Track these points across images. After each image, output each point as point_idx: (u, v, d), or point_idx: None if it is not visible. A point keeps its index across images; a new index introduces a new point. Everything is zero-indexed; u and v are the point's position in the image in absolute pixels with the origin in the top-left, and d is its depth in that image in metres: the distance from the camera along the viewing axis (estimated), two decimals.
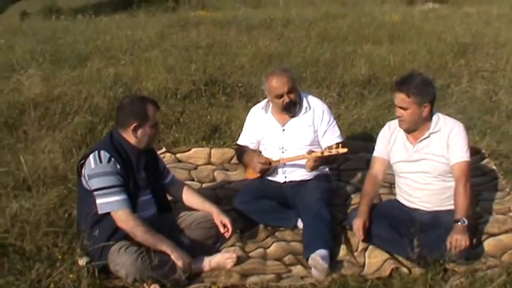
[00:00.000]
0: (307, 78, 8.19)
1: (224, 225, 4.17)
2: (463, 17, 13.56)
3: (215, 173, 5.45)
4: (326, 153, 4.41)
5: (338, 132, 4.80)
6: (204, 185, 5.28)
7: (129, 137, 3.94)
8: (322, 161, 4.53)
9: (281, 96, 4.55)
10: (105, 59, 9.24)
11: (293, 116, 4.69)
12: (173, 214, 4.28)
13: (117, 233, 3.84)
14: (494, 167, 5.39)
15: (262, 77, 4.80)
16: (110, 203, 3.80)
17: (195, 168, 5.57)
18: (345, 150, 4.38)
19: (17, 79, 7.78)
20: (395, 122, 4.36)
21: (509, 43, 10.23)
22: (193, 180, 5.35)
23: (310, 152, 4.47)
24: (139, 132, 3.94)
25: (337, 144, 4.43)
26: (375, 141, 5.89)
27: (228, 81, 8.03)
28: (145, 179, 4.06)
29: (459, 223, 3.93)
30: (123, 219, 3.82)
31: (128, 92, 7.32)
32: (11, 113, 6.67)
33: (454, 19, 13.14)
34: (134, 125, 3.90)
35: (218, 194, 5.08)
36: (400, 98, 4.10)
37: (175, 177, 4.49)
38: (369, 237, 4.21)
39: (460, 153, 4.12)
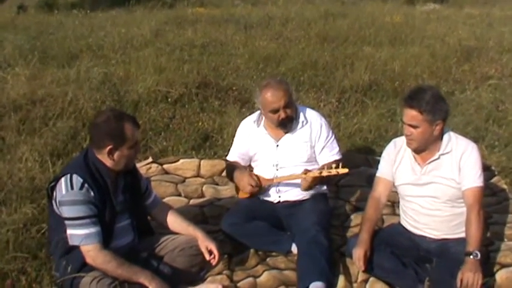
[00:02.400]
0: (305, 83, 7.77)
1: (210, 252, 3.70)
2: (465, 19, 13.16)
3: (204, 188, 4.99)
4: (324, 174, 3.94)
5: (337, 149, 4.34)
6: (191, 201, 4.83)
7: (105, 159, 3.46)
8: (319, 180, 4.06)
9: (276, 111, 4.08)
10: (96, 57, 8.79)
11: (288, 131, 4.23)
12: (154, 239, 3.82)
13: (88, 264, 3.38)
14: (505, 186, 4.93)
15: (256, 89, 4.31)
16: (79, 235, 3.34)
17: (183, 181, 5.11)
18: (346, 170, 3.92)
19: (2, 77, 7.33)
20: (402, 139, 3.89)
21: None
22: (180, 195, 4.89)
23: (306, 171, 4.00)
24: (115, 154, 3.45)
25: (337, 163, 3.95)
26: (377, 154, 5.55)
27: (222, 84, 7.58)
28: (123, 202, 3.59)
29: (471, 257, 3.47)
30: (92, 255, 3.36)
31: (116, 95, 6.89)
32: None
33: (456, 20, 12.71)
34: (110, 147, 3.41)
35: (206, 213, 4.63)
36: (410, 115, 3.63)
37: (158, 197, 4.02)
38: (370, 267, 3.76)
39: (473, 178, 3.65)
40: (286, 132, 4.22)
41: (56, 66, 8.17)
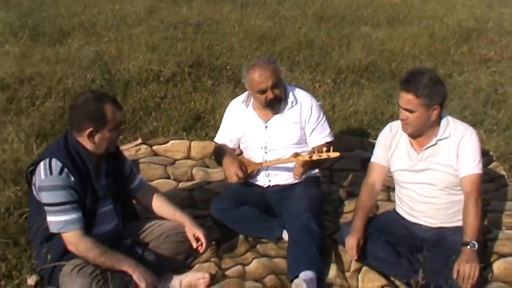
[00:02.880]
0: (300, 63, 7.59)
1: (197, 239, 3.55)
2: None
3: (193, 170, 4.83)
4: (315, 157, 3.76)
5: (328, 131, 4.16)
6: (180, 185, 4.68)
7: (85, 142, 3.28)
8: (310, 164, 3.89)
9: (264, 91, 3.90)
10: (88, 35, 8.52)
11: (277, 112, 4.06)
12: (139, 224, 3.67)
13: (70, 252, 3.23)
14: (503, 173, 4.78)
15: (243, 69, 4.12)
16: (60, 222, 3.18)
17: (173, 164, 4.96)
18: (337, 154, 3.75)
19: None
20: (398, 123, 3.71)
21: None
22: (168, 178, 4.75)
23: (296, 154, 3.83)
24: (96, 137, 3.27)
25: (328, 146, 3.78)
26: (372, 137, 5.40)
27: (216, 63, 7.40)
28: (106, 186, 3.42)
29: (468, 247, 3.32)
30: (73, 242, 3.20)
31: (107, 74, 6.71)
32: None
33: (455, 1, 12.44)
34: (90, 130, 3.23)
35: (194, 197, 4.47)
36: (406, 98, 3.45)
37: (144, 180, 3.85)
38: (363, 256, 3.62)
39: (472, 165, 3.49)
40: (275, 113, 4.04)
41: (46, 44, 7.92)
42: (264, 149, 4.07)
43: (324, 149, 3.75)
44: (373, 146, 4.59)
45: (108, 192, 3.44)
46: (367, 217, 3.72)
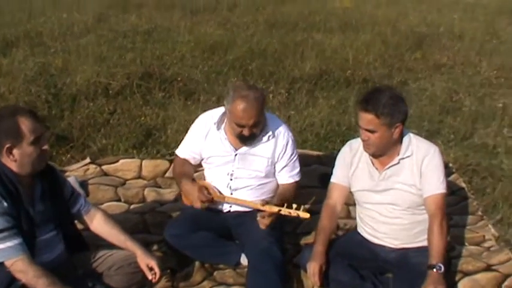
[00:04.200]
0: (253, 72, 7.43)
1: (151, 269, 3.33)
2: (415, 4, 12.92)
3: (145, 191, 4.59)
4: (283, 212, 3.56)
5: (297, 169, 3.96)
6: (131, 207, 4.43)
7: (8, 162, 3.00)
8: (277, 216, 3.65)
9: (243, 126, 3.65)
10: (34, 46, 8.21)
11: (248, 146, 3.83)
12: (89, 254, 3.41)
13: (14, 283, 2.97)
14: (463, 185, 4.70)
15: (229, 91, 3.75)
16: (2, 250, 2.93)
17: (123, 184, 4.70)
18: (307, 216, 3.54)
19: None
20: (358, 141, 3.57)
21: (465, 35, 9.70)
22: (119, 200, 4.49)
23: (265, 203, 3.61)
24: (16, 154, 2.98)
25: (299, 205, 3.58)
26: (329, 151, 5.26)
27: (167, 74, 7.19)
28: (44, 211, 3.15)
29: (434, 270, 3.20)
30: (22, 269, 2.94)
31: (53, 88, 6.43)
32: None
33: (406, 5, 12.51)
34: (7, 146, 2.95)
35: (147, 220, 4.24)
36: (366, 119, 3.30)
37: (89, 203, 3.57)
38: (325, 281, 3.45)
39: (436, 184, 3.37)
40: (247, 146, 3.83)
41: None
42: (230, 175, 3.83)
43: (294, 206, 3.55)
44: (331, 160, 4.44)
45: (47, 218, 3.17)
46: (329, 240, 3.55)
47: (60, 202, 3.29)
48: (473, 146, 5.57)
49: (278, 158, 3.84)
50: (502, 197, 4.65)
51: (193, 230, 3.74)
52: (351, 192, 3.72)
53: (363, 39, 9.14)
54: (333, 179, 3.71)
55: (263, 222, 3.58)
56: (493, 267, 3.72)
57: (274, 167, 3.87)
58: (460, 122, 6.11)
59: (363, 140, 3.40)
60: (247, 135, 3.64)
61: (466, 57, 8.52)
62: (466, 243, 4.02)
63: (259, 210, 3.61)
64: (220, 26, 9.97)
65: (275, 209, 3.55)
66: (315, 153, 5.17)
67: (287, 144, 3.85)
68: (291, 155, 3.87)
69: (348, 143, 3.74)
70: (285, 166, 3.87)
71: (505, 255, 3.84)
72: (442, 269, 3.21)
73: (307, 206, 4.46)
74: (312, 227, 4.10)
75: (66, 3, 11.87)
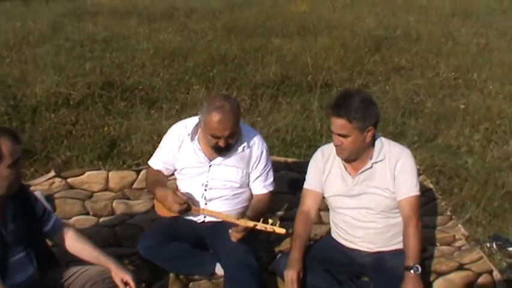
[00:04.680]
0: (215, 79, 7.40)
1: (126, 283, 3.29)
2: (370, 7, 13.09)
3: (114, 203, 4.53)
4: (259, 227, 3.52)
5: (271, 179, 3.96)
6: (101, 220, 4.37)
7: None
8: (251, 230, 3.61)
9: (218, 137, 3.63)
10: None
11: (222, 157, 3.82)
12: (62, 272, 3.35)
13: None
14: (431, 186, 4.79)
15: (204, 102, 3.69)
16: None
17: (90, 197, 4.64)
18: (283, 231, 3.51)
19: None
20: (330, 147, 3.59)
21: (421, 38, 9.88)
22: (88, 213, 4.43)
23: (240, 217, 3.61)
24: None
25: (274, 220, 3.55)
26: (296, 157, 5.30)
27: (128, 83, 7.12)
28: (15, 232, 3.08)
29: (412, 271, 3.24)
30: None
31: (12, 100, 6.29)
32: None
33: (361, 8, 12.67)
34: None
35: (118, 233, 4.18)
36: (339, 124, 3.32)
37: (60, 221, 3.50)
38: None
39: (409, 187, 3.40)
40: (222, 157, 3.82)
41: None
42: (204, 186, 3.79)
43: (270, 220, 3.52)
44: (298, 165, 4.48)
45: (19, 238, 3.10)
46: (305, 247, 3.56)
47: (32, 221, 3.23)
48: (438, 147, 5.66)
49: (252, 168, 3.84)
50: (470, 197, 4.74)
51: (167, 241, 3.70)
52: (324, 197, 3.76)
53: (322, 43, 9.21)
54: (306, 186, 3.72)
55: (235, 236, 3.55)
56: (466, 266, 3.80)
57: (249, 177, 3.87)
58: (423, 124, 6.22)
59: (336, 145, 3.42)
60: (223, 146, 3.62)
61: (424, 59, 8.67)
62: (438, 244, 4.09)
63: (235, 224, 3.60)
64: (178, 33, 9.94)
65: (251, 223, 3.52)
66: (283, 159, 5.20)
67: (261, 155, 3.85)
68: (265, 165, 3.88)
69: (320, 149, 3.75)
70: (259, 176, 3.87)
71: (477, 254, 3.93)
72: (419, 270, 3.24)
73: (279, 213, 4.49)
74: (286, 235, 4.12)
75: (19, 12, 11.71)
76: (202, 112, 3.61)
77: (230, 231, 3.56)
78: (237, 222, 3.56)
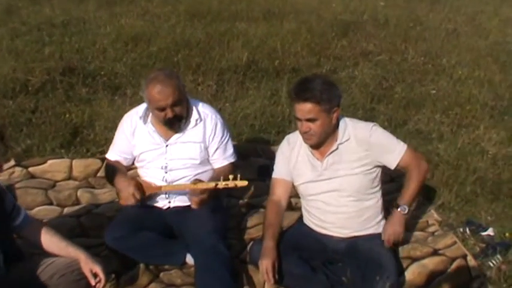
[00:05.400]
0: (180, 64, 7.35)
1: (95, 275, 3.25)
2: None
3: (78, 193, 4.48)
4: (221, 186, 3.56)
5: (231, 151, 3.98)
6: (65, 210, 4.31)
7: None
8: (211, 192, 3.67)
9: (163, 109, 3.62)
10: None
11: (178, 131, 3.80)
12: (28, 264, 3.30)
13: None
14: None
15: (142, 81, 3.78)
16: None
17: (53, 186, 4.58)
18: (245, 183, 3.56)
19: None
20: (296, 135, 3.64)
21: (389, 22, 9.94)
22: (51, 203, 4.37)
23: (197, 181, 3.62)
24: None
25: (234, 175, 3.59)
26: (265, 143, 5.30)
27: (89, 68, 7.03)
28: None
29: (398, 209, 3.47)
30: None
31: None
32: None
33: None
34: None
35: (84, 224, 4.14)
36: (306, 108, 3.35)
37: (29, 215, 3.46)
38: (280, 278, 3.46)
39: (395, 148, 3.51)
40: (176, 131, 3.81)
41: None
42: (164, 168, 3.80)
43: (231, 176, 3.55)
44: (268, 152, 4.46)
45: None
46: (278, 234, 3.57)
47: (1, 216, 3.17)
48: (408, 133, 5.73)
49: (209, 141, 3.85)
50: (442, 183, 4.81)
51: (135, 230, 3.67)
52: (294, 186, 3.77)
53: (288, 27, 9.19)
54: (274, 175, 3.75)
55: (194, 201, 3.62)
56: (440, 252, 3.86)
57: (208, 152, 3.88)
58: (392, 109, 6.28)
59: (304, 132, 3.44)
60: (172, 116, 3.63)
61: (392, 44, 8.73)
62: (411, 229, 4.12)
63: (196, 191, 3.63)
64: (139, 17, 9.78)
65: (211, 184, 3.57)
66: (251, 145, 5.20)
67: (216, 126, 3.87)
68: (222, 136, 3.90)
69: (286, 137, 3.81)
70: (217, 149, 3.89)
71: (450, 239, 3.99)
72: (406, 210, 3.47)
73: (248, 200, 4.49)
74: (256, 221, 4.14)
75: None
76: (143, 91, 3.66)
77: (189, 196, 3.65)
78: (197, 187, 3.59)
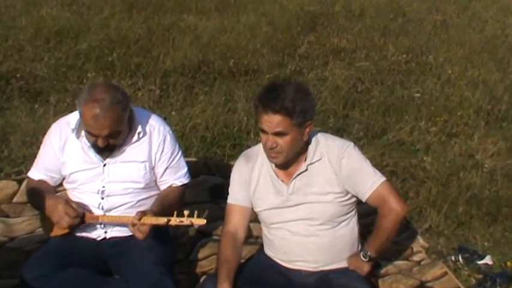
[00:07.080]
0: (115, 65, 7.34)
1: None
2: None
3: None
4: (173, 223, 3.51)
5: (185, 170, 3.94)
6: None
7: None
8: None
9: (95, 136, 3.53)
10: None
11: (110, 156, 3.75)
12: None
13: None
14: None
15: (83, 88, 3.66)
16: None
17: None
18: (203, 222, 3.53)
19: None
20: (256, 151, 3.64)
21: (365, 14, 10.06)
22: None
23: (142, 214, 3.50)
24: None
25: (190, 211, 3.53)
26: (218, 158, 5.31)
27: (1, 70, 6.96)
28: None
29: (361, 254, 3.54)
30: None
31: None
32: None
33: None
34: None
35: None
36: (275, 121, 3.30)
37: None
38: None
39: (370, 179, 3.47)
40: (107, 157, 3.73)
41: None
42: (100, 193, 3.74)
43: (186, 212, 3.51)
44: (221, 168, 4.45)
45: None
46: (234, 272, 3.53)
47: None
48: (388, 144, 5.80)
49: (156, 160, 3.79)
50: (429, 202, 4.87)
51: (61, 267, 3.61)
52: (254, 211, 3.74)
53: (246, 21, 9.27)
54: (229, 200, 3.71)
55: (140, 230, 3.49)
56: (428, 284, 3.93)
57: (155, 173, 3.83)
58: (369, 117, 6.35)
59: (270, 149, 3.39)
60: (102, 146, 3.56)
61: (369, 39, 8.85)
62: (393, 258, 4.19)
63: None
64: (65, 8, 9.78)
65: (162, 220, 3.50)
66: (201, 161, 5.21)
67: (165, 141, 3.80)
68: (172, 152, 3.84)
69: (243, 153, 3.78)
70: (166, 168, 3.83)
71: (440, 270, 4.06)
72: (367, 258, 3.49)
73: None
74: (208, 252, 4.14)
75: None
76: (79, 101, 3.52)
77: (130, 228, 3.53)
78: (144, 222, 3.49)
